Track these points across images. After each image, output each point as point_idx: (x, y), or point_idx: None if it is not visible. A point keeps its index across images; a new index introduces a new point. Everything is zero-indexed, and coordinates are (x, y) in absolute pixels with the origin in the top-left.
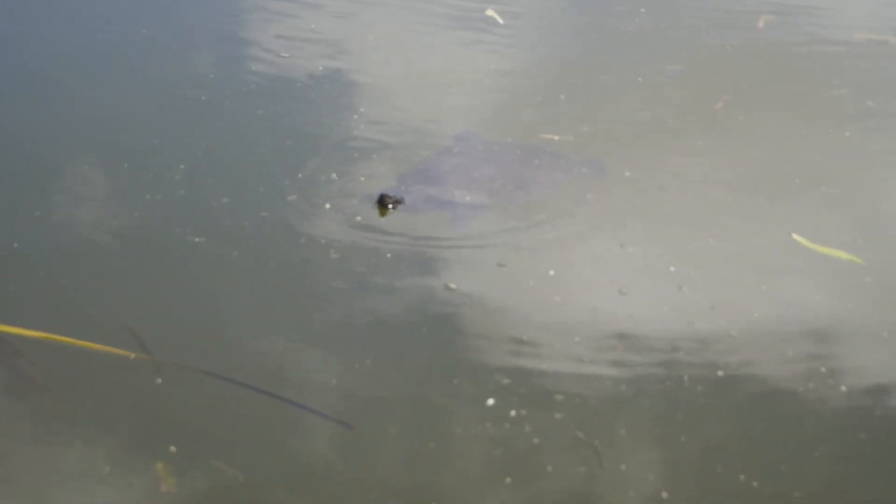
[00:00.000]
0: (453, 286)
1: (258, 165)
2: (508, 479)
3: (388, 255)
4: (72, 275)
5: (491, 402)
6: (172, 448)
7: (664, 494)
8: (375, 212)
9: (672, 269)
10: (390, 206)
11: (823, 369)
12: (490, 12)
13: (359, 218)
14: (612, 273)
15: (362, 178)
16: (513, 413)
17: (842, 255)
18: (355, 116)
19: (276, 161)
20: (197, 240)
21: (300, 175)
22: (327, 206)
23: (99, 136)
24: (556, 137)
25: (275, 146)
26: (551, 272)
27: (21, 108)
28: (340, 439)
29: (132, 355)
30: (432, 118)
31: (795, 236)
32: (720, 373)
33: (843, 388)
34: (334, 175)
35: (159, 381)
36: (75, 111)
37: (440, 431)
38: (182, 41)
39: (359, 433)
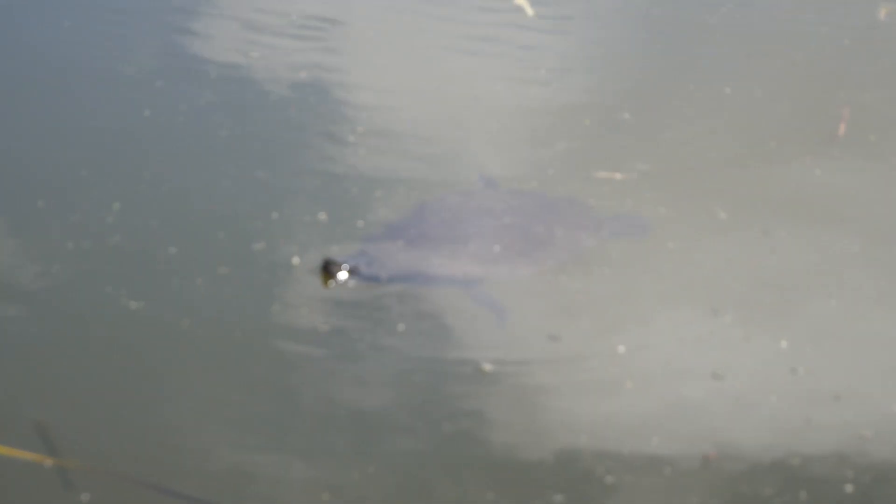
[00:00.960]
0: (488, 368)
1: (218, 203)
2: None
3: (400, 327)
4: None
5: None
6: None
7: None
8: (379, 264)
9: (783, 344)
10: (339, 275)
11: None
12: (519, 1)
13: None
14: (702, 350)
15: (360, 223)
16: None
17: None
18: (351, 138)
19: (243, 197)
20: (134, 305)
21: (274, 215)
22: (295, 260)
23: (3, 166)
24: (618, 175)
25: (241, 177)
26: (621, 348)
27: None
28: None
29: (49, 461)
30: (451, 139)
31: None
32: (848, 487)
33: None
34: (323, 215)
35: (85, 497)
36: None
37: None
38: (118, 35)
39: None
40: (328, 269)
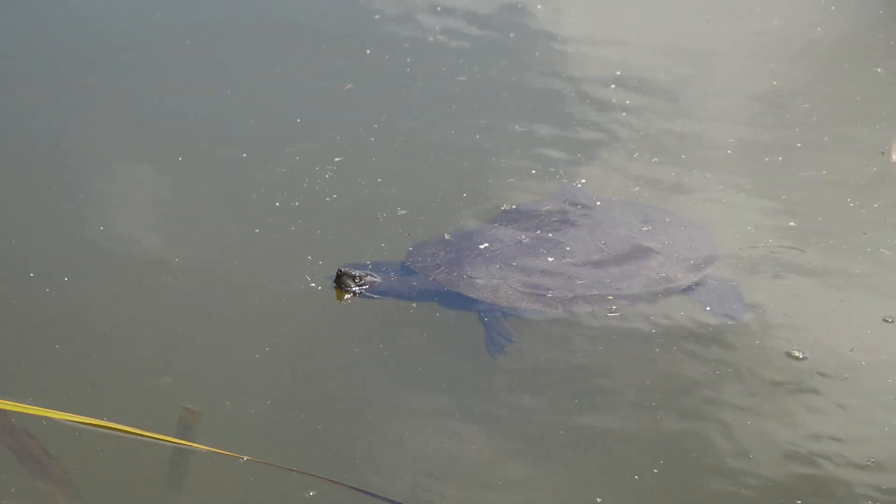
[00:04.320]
0: (800, 355)
1: (456, 156)
2: None
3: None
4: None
5: None
6: None
7: None
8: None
9: None
10: (354, 289)
11: None
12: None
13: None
14: None
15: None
16: None
17: None
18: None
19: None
20: (317, 285)
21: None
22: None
23: (205, 112)
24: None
25: (482, 127)
26: None
27: None
28: None
29: (245, 458)
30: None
31: None
32: None
33: None
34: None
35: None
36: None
37: None
38: None
39: None
40: (341, 282)
